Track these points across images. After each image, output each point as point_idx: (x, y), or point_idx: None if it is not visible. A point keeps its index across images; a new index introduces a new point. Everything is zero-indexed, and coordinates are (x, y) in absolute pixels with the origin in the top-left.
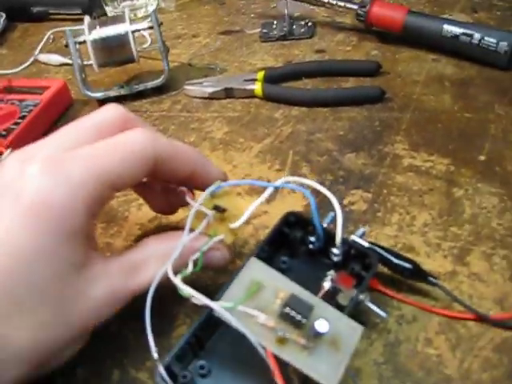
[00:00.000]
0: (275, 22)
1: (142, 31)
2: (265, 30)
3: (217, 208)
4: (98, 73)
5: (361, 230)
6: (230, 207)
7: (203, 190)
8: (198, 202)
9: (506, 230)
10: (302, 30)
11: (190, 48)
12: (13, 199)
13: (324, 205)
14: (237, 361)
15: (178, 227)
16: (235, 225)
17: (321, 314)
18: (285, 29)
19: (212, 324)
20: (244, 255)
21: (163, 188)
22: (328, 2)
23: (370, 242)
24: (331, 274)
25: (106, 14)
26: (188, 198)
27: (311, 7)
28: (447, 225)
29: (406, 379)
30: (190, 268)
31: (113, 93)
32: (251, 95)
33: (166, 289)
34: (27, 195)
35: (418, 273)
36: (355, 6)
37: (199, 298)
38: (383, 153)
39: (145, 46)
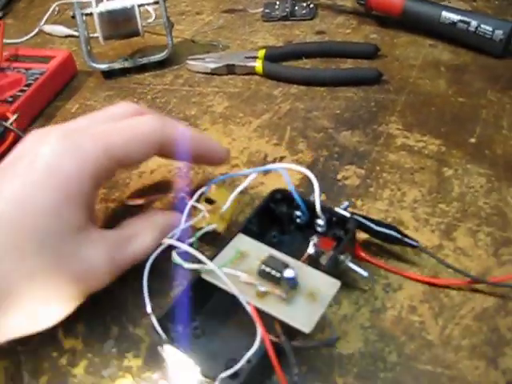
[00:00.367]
0: (278, 3)
1: (147, 6)
2: (267, 10)
3: (208, 200)
4: (102, 45)
5: (345, 204)
6: (218, 198)
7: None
8: (193, 199)
9: (491, 208)
10: (304, 11)
11: (194, 25)
12: (29, 161)
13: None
14: (228, 325)
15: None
16: (223, 209)
17: (300, 273)
18: (287, 9)
19: (204, 287)
20: (239, 223)
21: None
22: None
23: (351, 213)
24: (314, 239)
25: None
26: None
27: None
28: (436, 202)
29: (389, 343)
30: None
31: (117, 65)
32: (252, 72)
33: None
34: (41, 159)
35: (401, 238)
36: None
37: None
38: (377, 132)
39: (149, 20)
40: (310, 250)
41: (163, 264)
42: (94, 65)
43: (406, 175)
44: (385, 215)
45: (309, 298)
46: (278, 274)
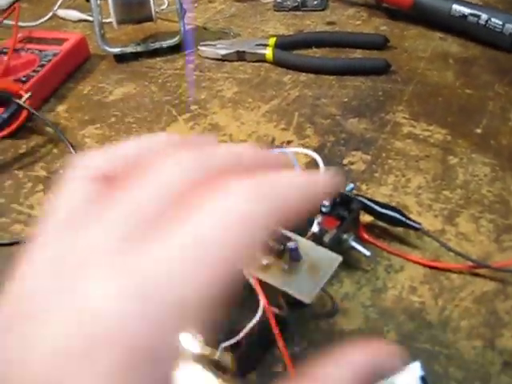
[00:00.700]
0: None
1: None
2: (279, 0)
3: None
4: (115, 30)
5: (350, 186)
6: None
7: None
8: None
9: (495, 196)
10: (315, 2)
11: (206, 13)
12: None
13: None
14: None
15: None
16: None
17: (303, 247)
18: (298, 0)
19: None
20: None
21: None
22: None
23: (356, 195)
24: (318, 218)
25: None
26: None
27: None
28: (440, 188)
29: (389, 321)
30: None
31: (129, 49)
32: (262, 59)
33: None
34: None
35: (404, 220)
36: None
37: None
38: (384, 120)
39: (162, 7)
40: (314, 228)
41: None
42: (107, 48)
43: (411, 162)
44: (389, 199)
45: (310, 271)
46: (281, 247)
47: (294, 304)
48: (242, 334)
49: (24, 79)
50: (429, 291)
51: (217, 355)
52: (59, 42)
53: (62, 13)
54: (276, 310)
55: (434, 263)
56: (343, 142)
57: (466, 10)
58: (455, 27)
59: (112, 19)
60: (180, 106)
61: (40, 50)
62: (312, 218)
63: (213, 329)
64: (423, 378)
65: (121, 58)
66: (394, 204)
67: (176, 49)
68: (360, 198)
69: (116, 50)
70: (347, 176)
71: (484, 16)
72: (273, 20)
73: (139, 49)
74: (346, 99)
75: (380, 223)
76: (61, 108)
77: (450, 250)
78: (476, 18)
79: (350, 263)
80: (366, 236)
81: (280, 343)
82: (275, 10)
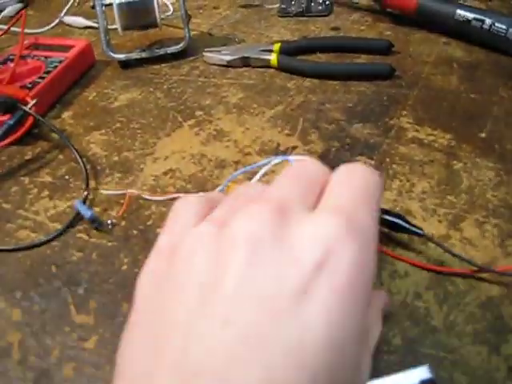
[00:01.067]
0: None
1: None
2: (283, 6)
3: None
4: (120, 36)
5: None
6: None
7: None
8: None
9: (499, 201)
10: (320, 7)
11: (211, 19)
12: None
13: None
14: None
15: (190, 180)
16: None
17: None
18: (303, 5)
19: None
20: None
21: None
22: None
23: None
24: None
25: None
26: None
27: None
28: (444, 193)
29: (394, 327)
30: None
31: (134, 55)
32: (267, 65)
33: None
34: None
35: (407, 227)
36: None
37: None
38: (389, 125)
39: (167, 13)
40: None
41: None
42: (112, 54)
43: (415, 167)
44: (393, 205)
45: None
46: None
47: None
48: None
49: (30, 86)
50: (433, 296)
51: None
52: (65, 48)
53: (68, 20)
54: None
55: (439, 268)
56: (348, 147)
57: (470, 15)
58: (459, 32)
59: (117, 26)
60: (185, 112)
61: (46, 57)
62: None
63: None
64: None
65: (126, 64)
66: (398, 209)
67: (181, 55)
68: None
69: (121, 57)
70: None
71: (488, 21)
72: (277, 26)
73: (144, 55)
74: (350, 104)
75: (384, 229)
76: (66, 114)
77: (453, 255)
78: (480, 23)
79: None
80: None
81: None
82: (280, 16)
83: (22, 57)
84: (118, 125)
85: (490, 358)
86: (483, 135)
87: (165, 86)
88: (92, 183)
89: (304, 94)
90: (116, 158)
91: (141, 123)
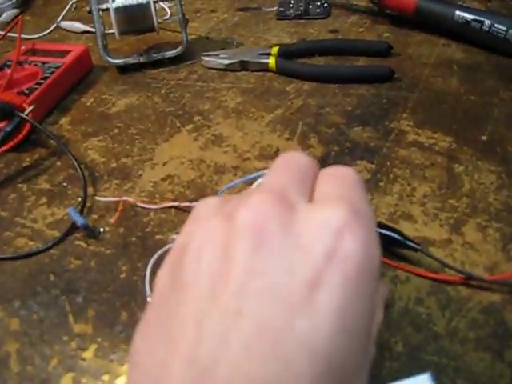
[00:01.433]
0: (292, 1)
1: (162, 3)
2: (281, 9)
3: None
4: (117, 41)
5: None
6: None
7: None
8: None
9: (501, 204)
10: (318, 10)
11: (208, 22)
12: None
13: None
14: None
15: (188, 186)
16: None
17: None
18: (301, 8)
19: None
20: None
21: None
22: None
23: None
24: None
25: None
26: None
27: None
28: (446, 197)
29: (396, 333)
30: None
31: (132, 60)
32: (265, 69)
33: None
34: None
35: (402, 241)
36: None
37: None
38: (389, 128)
39: (165, 17)
40: None
41: None
42: (110, 59)
43: (416, 171)
44: (394, 209)
45: None
46: None
47: None
48: None
49: (27, 92)
50: (435, 302)
51: None
52: (62, 54)
53: (65, 25)
54: None
55: (431, 275)
56: (347, 151)
57: (470, 16)
58: (459, 33)
59: (114, 30)
60: (183, 117)
61: (43, 63)
62: None
63: None
64: None
65: (123, 69)
66: (399, 213)
67: (179, 59)
68: None
69: (119, 61)
70: None
71: (487, 22)
72: (275, 29)
73: (142, 60)
74: (349, 107)
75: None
76: (64, 120)
77: (448, 267)
78: (479, 24)
79: None
80: None
81: None
82: (278, 19)
83: (19, 63)
84: (116, 130)
85: (494, 364)
86: (484, 138)
87: (163, 91)
88: (90, 190)
89: (303, 98)
90: (114, 165)
91: (139, 129)
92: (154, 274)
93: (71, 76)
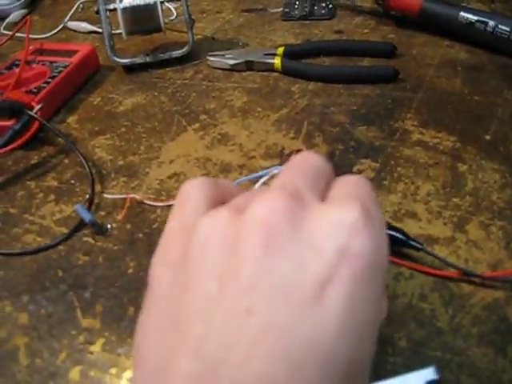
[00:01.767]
0: (297, 2)
1: (169, 4)
2: (287, 10)
3: None
4: (124, 41)
5: None
6: None
7: None
8: None
9: (505, 203)
10: (323, 11)
11: (214, 23)
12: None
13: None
14: None
15: None
16: None
17: None
18: (306, 9)
19: None
20: None
21: None
22: None
23: None
24: None
25: None
26: None
27: None
28: (449, 195)
29: (399, 329)
30: None
31: (139, 60)
32: (270, 69)
33: None
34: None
35: (406, 240)
36: None
37: None
38: (393, 128)
39: (171, 18)
40: None
41: None
42: (117, 59)
43: (420, 170)
44: (398, 207)
45: None
46: None
47: None
48: None
49: (35, 91)
50: (439, 298)
51: None
52: (70, 53)
53: (72, 25)
54: None
55: (429, 270)
56: (352, 149)
57: (474, 17)
58: (463, 34)
59: (121, 30)
60: (190, 116)
61: (51, 62)
62: None
63: None
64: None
65: (130, 69)
66: (403, 212)
67: (185, 59)
68: None
69: (125, 61)
70: None
71: (491, 23)
72: (281, 29)
73: (148, 59)
74: (354, 107)
75: None
76: (71, 119)
77: (448, 264)
78: (483, 25)
79: None
80: None
81: None
82: (283, 20)
83: (28, 62)
84: (123, 129)
85: (496, 359)
86: (488, 137)
87: (169, 90)
88: (97, 187)
89: (308, 98)
90: (121, 162)
91: (145, 127)
92: None
93: (78, 75)
